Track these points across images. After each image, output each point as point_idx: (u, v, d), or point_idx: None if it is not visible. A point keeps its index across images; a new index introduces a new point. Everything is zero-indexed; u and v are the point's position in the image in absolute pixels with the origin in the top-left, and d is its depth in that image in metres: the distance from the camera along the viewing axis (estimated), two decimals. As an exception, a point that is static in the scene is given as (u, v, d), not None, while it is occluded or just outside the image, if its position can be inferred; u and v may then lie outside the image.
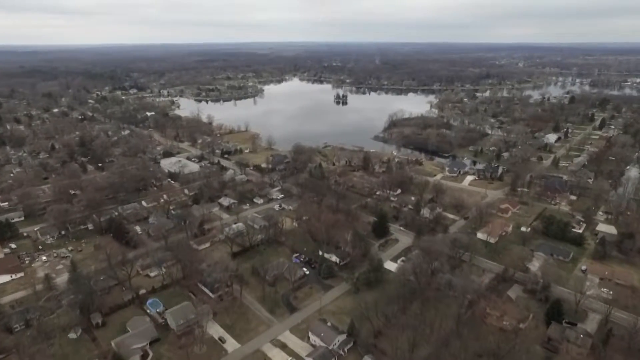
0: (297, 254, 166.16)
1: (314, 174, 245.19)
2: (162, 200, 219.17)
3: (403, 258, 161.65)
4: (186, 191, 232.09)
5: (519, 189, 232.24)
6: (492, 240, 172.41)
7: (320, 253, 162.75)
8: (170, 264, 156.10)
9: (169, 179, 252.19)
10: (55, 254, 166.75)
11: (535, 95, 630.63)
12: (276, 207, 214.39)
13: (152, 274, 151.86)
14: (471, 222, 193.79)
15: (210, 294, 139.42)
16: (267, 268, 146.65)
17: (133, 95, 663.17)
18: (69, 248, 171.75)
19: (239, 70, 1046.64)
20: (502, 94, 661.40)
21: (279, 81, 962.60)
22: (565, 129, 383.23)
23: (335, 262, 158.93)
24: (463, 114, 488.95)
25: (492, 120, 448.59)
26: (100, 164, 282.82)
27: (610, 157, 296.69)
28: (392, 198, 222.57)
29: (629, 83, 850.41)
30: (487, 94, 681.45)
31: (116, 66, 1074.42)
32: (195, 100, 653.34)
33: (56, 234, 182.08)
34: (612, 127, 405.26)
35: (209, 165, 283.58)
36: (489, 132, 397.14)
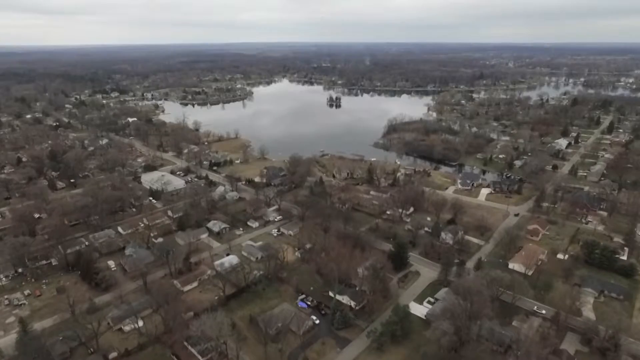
0: (303, 296, 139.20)
1: (315, 191, 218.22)
2: (141, 225, 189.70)
3: (430, 299, 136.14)
4: (170, 213, 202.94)
5: (544, 205, 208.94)
6: (528, 272, 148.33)
7: (331, 294, 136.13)
8: (149, 313, 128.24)
9: (151, 198, 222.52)
10: (7, 301, 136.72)
11: (533, 96, 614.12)
12: (274, 231, 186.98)
13: (126, 328, 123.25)
14: (499, 248, 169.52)
15: (199, 357, 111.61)
16: (268, 318, 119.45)
17: (114, 99, 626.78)
18: (26, 292, 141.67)
19: (226, 71, 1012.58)
20: (498, 95, 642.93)
21: (268, 83, 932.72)
22: (575, 134, 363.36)
23: (350, 306, 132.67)
24: (464, 117, 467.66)
25: (495, 124, 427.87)
26: (72, 180, 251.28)
27: (628, 165, 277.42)
28: (405, 219, 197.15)
29: (622, 83, 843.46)
30: (482, 95, 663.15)
31: (97, 68, 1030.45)
32: (181, 103, 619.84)
33: (11, 273, 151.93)
34: (621, 130, 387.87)
35: (195, 179, 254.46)
36: (494, 137, 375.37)
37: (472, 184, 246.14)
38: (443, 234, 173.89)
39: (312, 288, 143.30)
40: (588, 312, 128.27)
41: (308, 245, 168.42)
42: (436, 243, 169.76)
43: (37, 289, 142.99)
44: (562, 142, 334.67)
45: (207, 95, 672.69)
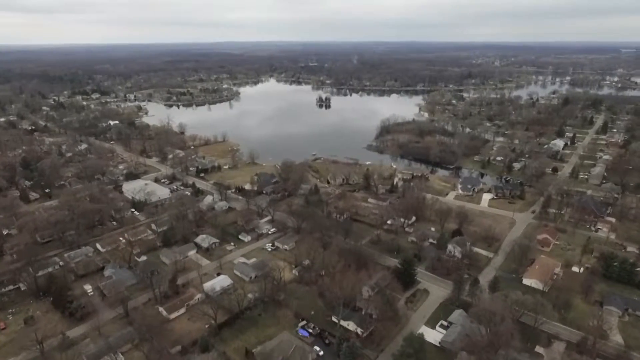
0: (304, 322, 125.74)
1: (310, 200, 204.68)
2: (122, 241, 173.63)
3: (443, 322, 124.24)
4: (154, 226, 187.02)
5: (550, 211, 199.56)
6: (545, 289, 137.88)
7: (335, 320, 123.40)
8: (130, 348, 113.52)
9: (133, 210, 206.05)
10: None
11: (522, 95, 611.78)
12: (268, 246, 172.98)
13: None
14: (510, 261, 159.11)
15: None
16: (267, 352, 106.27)
17: (95, 101, 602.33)
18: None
19: (212, 71, 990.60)
20: (488, 94, 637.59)
21: (255, 82, 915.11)
22: (571, 135, 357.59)
23: (356, 333, 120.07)
24: (456, 117, 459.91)
25: (488, 124, 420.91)
26: (47, 190, 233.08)
27: (627, 167, 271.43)
28: (407, 229, 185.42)
29: (607, 82, 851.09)
30: (471, 94, 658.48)
31: (78, 68, 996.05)
32: (166, 105, 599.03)
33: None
34: (615, 130, 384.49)
35: (181, 188, 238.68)
36: (490, 138, 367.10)
37: (473, 189, 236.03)
38: (450, 247, 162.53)
39: (313, 312, 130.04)
40: (614, 335, 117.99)
41: (306, 262, 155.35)
42: (443, 257, 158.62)
43: (2, 321, 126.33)
44: (559, 143, 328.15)
45: (192, 96, 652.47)
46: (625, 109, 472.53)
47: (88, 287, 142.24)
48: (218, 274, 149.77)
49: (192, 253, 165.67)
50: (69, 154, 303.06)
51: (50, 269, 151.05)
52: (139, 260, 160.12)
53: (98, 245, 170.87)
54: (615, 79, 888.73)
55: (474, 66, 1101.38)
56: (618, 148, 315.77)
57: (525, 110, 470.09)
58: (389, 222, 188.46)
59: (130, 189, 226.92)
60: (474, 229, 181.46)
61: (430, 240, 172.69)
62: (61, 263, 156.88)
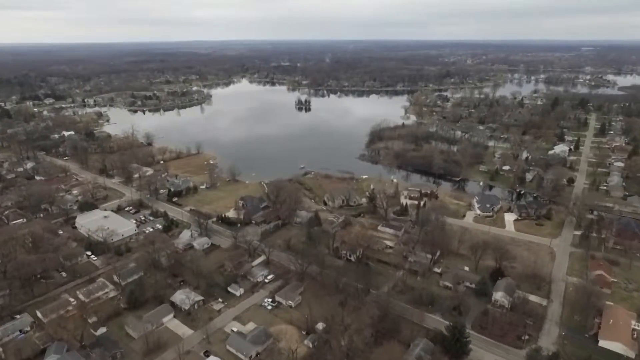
0: None
1: (313, 234, 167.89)
2: (74, 303, 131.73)
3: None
4: (116, 278, 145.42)
5: (592, 236, 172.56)
6: (630, 354, 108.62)
7: None
8: None
9: (89, 253, 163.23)
10: None
11: (502, 94, 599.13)
12: (267, 302, 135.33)
13: None
14: (569, 311, 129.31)
15: None
16: None
17: (48, 107, 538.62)
18: None
19: (179, 72, 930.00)
20: (471, 94, 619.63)
21: (227, 84, 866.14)
22: (573, 139, 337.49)
23: None
24: (446, 120, 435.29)
25: (481, 127, 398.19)
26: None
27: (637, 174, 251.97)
28: (435, 269, 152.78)
29: (580, 80, 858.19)
30: (451, 93, 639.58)
31: (30, 70, 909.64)
32: (130, 110, 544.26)
33: None
34: (612, 132, 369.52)
35: (150, 219, 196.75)
36: (489, 144, 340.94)
37: (493, 209, 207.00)
38: (498, 295, 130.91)
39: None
40: None
41: (320, 325, 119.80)
42: (491, 309, 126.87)
43: None
44: (564, 149, 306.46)
45: (159, 99, 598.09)
46: (614, 109, 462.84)
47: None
48: (206, 354, 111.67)
49: (168, 319, 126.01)
50: (10, 176, 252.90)
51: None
52: (96, 334, 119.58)
53: (39, 313, 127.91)
54: (588, 76, 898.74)
55: (448, 65, 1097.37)
56: (627, 153, 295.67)
57: (515, 113, 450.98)
58: (410, 259, 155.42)
59: (86, 223, 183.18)
60: (513, 265, 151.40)
61: (467, 283, 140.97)
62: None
